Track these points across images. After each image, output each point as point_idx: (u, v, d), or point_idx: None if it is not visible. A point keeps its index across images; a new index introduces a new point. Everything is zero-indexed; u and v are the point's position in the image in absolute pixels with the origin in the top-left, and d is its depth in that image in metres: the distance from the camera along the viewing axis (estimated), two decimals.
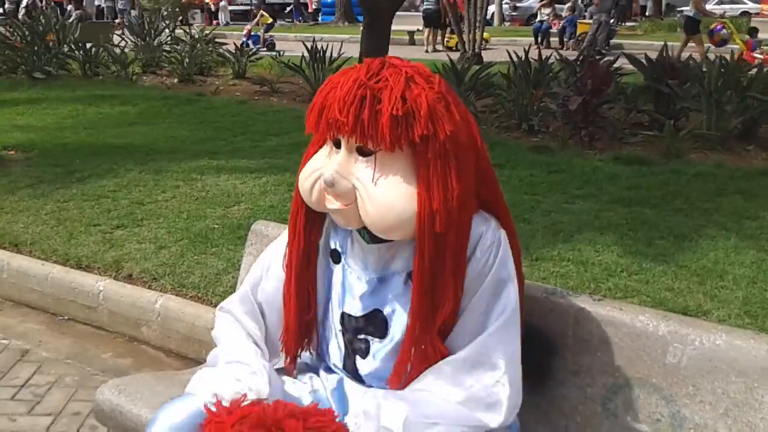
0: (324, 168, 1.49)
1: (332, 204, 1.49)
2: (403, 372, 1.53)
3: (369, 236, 1.57)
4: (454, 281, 1.48)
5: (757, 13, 25.79)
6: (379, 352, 1.59)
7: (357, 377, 1.63)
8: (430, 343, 1.50)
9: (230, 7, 30.64)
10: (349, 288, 1.63)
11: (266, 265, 1.74)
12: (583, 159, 5.36)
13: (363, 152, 1.46)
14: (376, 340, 1.59)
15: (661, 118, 5.92)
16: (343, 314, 1.63)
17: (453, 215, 1.45)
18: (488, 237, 1.52)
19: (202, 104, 8.30)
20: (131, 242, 3.91)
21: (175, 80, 10.10)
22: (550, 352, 1.76)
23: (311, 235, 1.64)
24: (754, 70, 6.31)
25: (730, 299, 3.12)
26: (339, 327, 1.65)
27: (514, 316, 1.53)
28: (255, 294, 1.73)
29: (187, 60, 10.22)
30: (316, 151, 1.59)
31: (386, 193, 1.44)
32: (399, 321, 1.56)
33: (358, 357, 1.62)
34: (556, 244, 3.75)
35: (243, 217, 4.25)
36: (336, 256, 1.66)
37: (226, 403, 1.41)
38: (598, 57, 6.72)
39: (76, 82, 9.77)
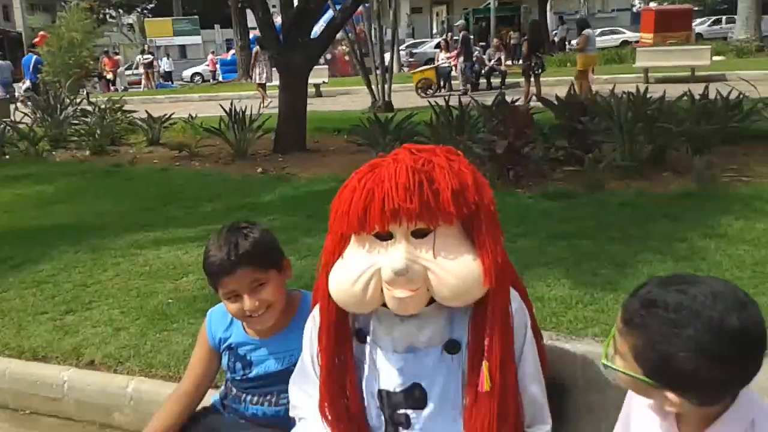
0: (383, 261, 1.54)
1: (402, 293, 1.54)
2: None
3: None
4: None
5: (637, 41, 27.45)
6: (421, 421, 1.66)
7: None
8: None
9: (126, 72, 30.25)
10: (381, 365, 1.69)
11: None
12: (515, 198, 5.60)
13: (418, 234, 1.55)
14: (417, 411, 1.66)
15: (578, 153, 6.26)
16: (380, 392, 1.69)
17: (503, 270, 1.59)
18: (515, 296, 1.65)
19: (122, 175, 8.16)
20: (85, 327, 3.81)
21: (87, 152, 9.89)
22: (562, 395, 1.87)
23: (345, 338, 1.69)
24: (657, 102, 6.77)
25: None
26: (377, 404, 1.70)
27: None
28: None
29: (98, 131, 10.04)
30: (338, 253, 1.65)
31: (457, 264, 1.54)
32: (436, 391, 1.65)
33: (401, 428, 1.68)
34: None
35: (196, 288, 4.21)
36: (361, 336, 1.72)
37: None
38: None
39: None
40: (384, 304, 1.61)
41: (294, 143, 8.67)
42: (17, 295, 4.37)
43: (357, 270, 1.57)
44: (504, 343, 1.63)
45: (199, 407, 2.11)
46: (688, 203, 5.20)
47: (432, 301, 1.61)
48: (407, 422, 1.68)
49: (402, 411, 1.68)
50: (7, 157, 9.92)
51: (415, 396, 1.67)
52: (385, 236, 1.56)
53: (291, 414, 1.86)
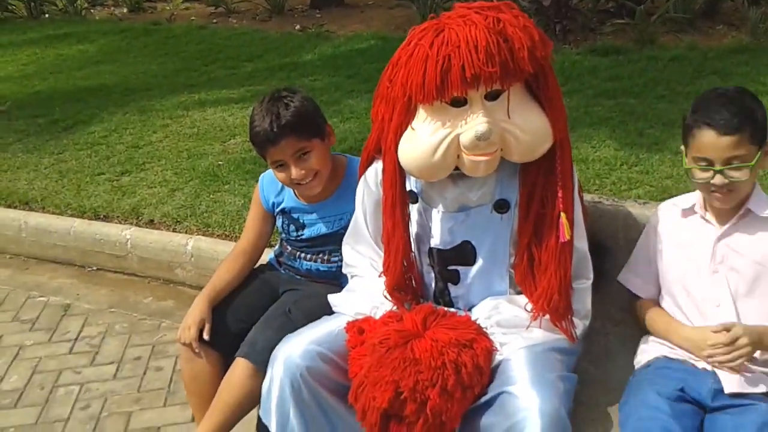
0: (462, 127, 1.57)
1: (481, 157, 1.59)
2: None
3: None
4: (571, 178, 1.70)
5: None
6: (470, 277, 1.76)
7: (448, 303, 1.80)
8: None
9: None
10: (433, 224, 1.77)
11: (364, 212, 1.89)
12: (561, 54, 5.45)
13: (491, 96, 1.56)
14: (466, 267, 1.75)
15: (629, 4, 6.00)
16: (431, 249, 1.78)
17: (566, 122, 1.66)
18: None
19: (161, 34, 8.09)
20: (141, 188, 3.97)
21: (125, 10, 9.78)
22: (602, 255, 1.94)
23: (405, 202, 1.76)
24: None
25: None
26: (428, 261, 1.80)
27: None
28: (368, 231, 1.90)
29: None
30: (406, 124, 1.66)
31: (531, 121, 1.59)
32: (485, 248, 1.73)
33: (450, 284, 1.78)
34: None
35: (243, 150, 4.31)
36: (413, 196, 1.79)
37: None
38: None
39: (24, 24, 9.39)
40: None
41: None
42: (73, 156, 4.53)
43: (436, 139, 1.59)
44: (573, 194, 1.71)
45: (257, 264, 2.24)
46: (740, 58, 5.02)
47: None
48: (457, 278, 1.77)
49: (452, 267, 1.77)
50: (47, 15, 9.87)
51: (465, 253, 1.75)
52: (461, 102, 1.58)
53: (344, 271, 1.97)
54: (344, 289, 1.93)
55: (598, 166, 3.63)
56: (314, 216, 2.10)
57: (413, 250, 1.80)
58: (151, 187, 3.96)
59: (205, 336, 1.98)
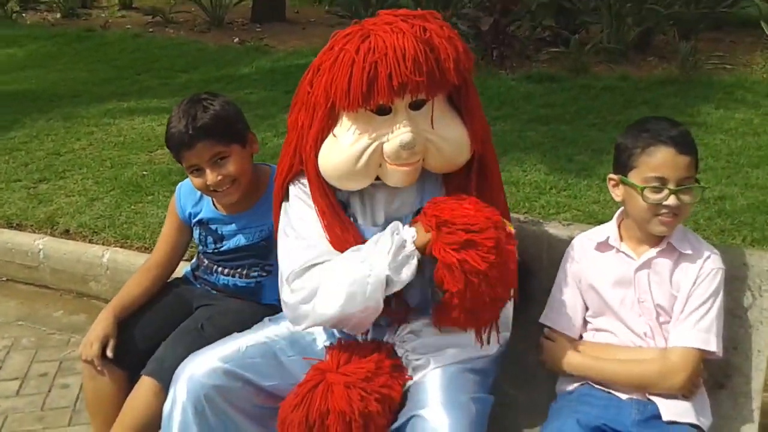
0: (386, 136, 1.53)
1: (403, 168, 1.55)
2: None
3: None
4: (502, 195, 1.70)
5: None
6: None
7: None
8: None
9: None
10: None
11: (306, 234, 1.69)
12: (498, 80, 5.51)
13: (416, 106, 1.53)
14: None
15: (565, 33, 6.11)
16: None
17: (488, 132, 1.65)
18: None
19: (94, 41, 7.87)
20: (59, 196, 3.80)
21: (58, 15, 9.49)
22: (526, 276, 1.91)
23: (337, 202, 1.67)
24: None
25: None
26: None
27: None
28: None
29: None
30: (327, 130, 1.59)
31: (453, 131, 1.57)
32: None
33: None
34: None
35: (170, 161, 4.13)
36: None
37: None
38: None
39: None
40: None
41: (273, 12, 8.37)
42: None
43: (358, 148, 1.54)
44: (503, 202, 1.71)
45: (171, 278, 2.13)
46: (670, 89, 5.15)
47: None
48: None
49: None
50: None
51: None
52: (385, 110, 1.54)
53: (293, 299, 1.64)
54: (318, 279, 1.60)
55: (528, 189, 3.64)
56: (233, 227, 2.01)
57: None
58: (70, 196, 3.79)
59: (109, 353, 1.87)
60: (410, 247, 1.52)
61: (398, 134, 1.52)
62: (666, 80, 5.37)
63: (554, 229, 1.92)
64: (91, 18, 9.32)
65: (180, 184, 2.11)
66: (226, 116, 1.90)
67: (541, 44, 6.34)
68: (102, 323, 1.90)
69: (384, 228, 1.62)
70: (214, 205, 2.03)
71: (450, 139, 1.57)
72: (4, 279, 3.43)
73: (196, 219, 2.05)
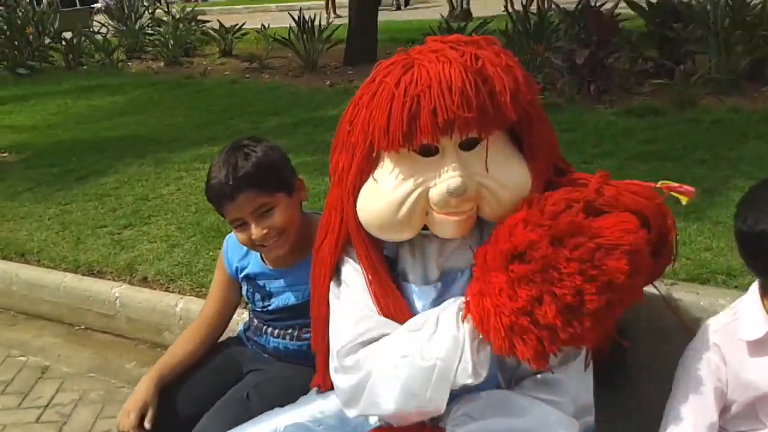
0: (432, 181, 1.32)
1: (455, 216, 1.34)
2: None
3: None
4: None
5: None
6: None
7: None
8: None
9: None
10: (410, 299, 1.48)
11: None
12: (595, 114, 5.20)
13: (467, 146, 1.33)
14: None
15: (668, 65, 5.74)
16: None
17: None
18: None
19: (193, 87, 8.09)
20: (142, 242, 3.77)
21: (162, 64, 9.87)
22: (619, 350, 1.63)
23: (381, 261, 1.47)
24: (759, 7, 6.10)
25: None
26: None
27: None
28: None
29: (171, 42, 9.97)
30: (366, 174, 1.40)
31: (513, 175, 1.35)
32: None
33: None
34: None
35: None
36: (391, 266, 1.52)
37: None
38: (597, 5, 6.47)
39: (61, 75, 9.53)
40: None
41: (364, 54, 8.35)
42: (79, 208, 4.37)
43: (400, 194, 1.34)
44: None
45: (224, 337, 1.98)
46: None
47: None
48: None
49: None
50: (85, 67, 10.02)
51: None
52: (431, 151, 1.33)
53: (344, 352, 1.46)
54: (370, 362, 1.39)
55: None
56: (282, 283, 1.83)
57: None
58: (152, 242, 3.75)
59: (146, 424, 1.72)
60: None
61: (446, 179, 1.31)
62: None
63: (653, 288, 1.63)
64: (192, 66, 9.63)
65: (228, 235, 1.96)
66: (269, 163, 1.73)
67: (643, 76, 5.98)
68: (141, 390, 1.76)
69: (439, 286, 1.42)
70: (262, 258, 1.86)
71: (509, 184, 1.34)
72: (83, 327, 3.40)
73: (243, 274, 1.89)
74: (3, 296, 3.62)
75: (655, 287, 1.59)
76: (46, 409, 2.76)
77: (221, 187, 1.69)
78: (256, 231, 1.70)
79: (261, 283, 1.86)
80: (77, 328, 3.41)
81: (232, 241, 1.91)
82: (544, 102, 5.69)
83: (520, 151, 1.39)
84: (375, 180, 1.38)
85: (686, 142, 4.51)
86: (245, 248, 1.87)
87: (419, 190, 1.33)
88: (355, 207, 1.41)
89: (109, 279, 3.46)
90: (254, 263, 1.87)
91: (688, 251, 3.09)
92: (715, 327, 1.40)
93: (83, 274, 3.53)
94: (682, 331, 1.56)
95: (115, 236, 3.90)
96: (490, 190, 1.33)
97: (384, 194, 1.36)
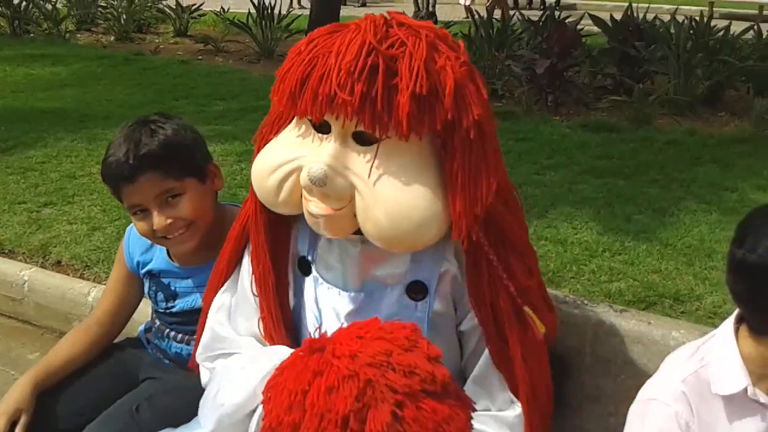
0: (306, 158, 1.15)
1: (317, 208, 1.16)
2: None
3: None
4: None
5: None
6: None
7: None
8: None
9: None
10: (326, 307, 1.30)
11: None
12: (551, 126, 5.09)
13: (363, 140, 1.14)
14: None
15: (628, 82, 5.67)
16: None
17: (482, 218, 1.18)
18: None
19: (140, 64, 7.74)
20: (61, 223, 3.49)
21: (112, 38, 9.46)
22: (562, 374, 1.47)
23: (278, 246, 1.30)
24: (722, 32, 6.09)
25: (721, 281, 2.89)
26: None
27: None
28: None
29: (124, 16, 9.57)
30: (276, 132, 1.25)
31: (398, 194, 1.12)
32: None
33: None
34: (530, 220, 3.45)
35: None
36: (305, 267, 1.33)
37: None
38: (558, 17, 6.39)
39: (4, 41, 9.03)
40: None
41: None
42: (0, 180, 4.06)
43: (277, 159, 1.20)
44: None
45: (119, 339, 1.75)
46: (742, 149, 4.64)
47: None
48: None
49: None
50: (31, 35, 9.55)
51: None
52: (324, 128, 1.16)
53: (202, 356, 1.42)
54: (210, 379, 1.37)
55: (577, 250, 3.19)
56: (189, 283, 1.62)
57: (304, 335, 1.33)
58: (72, 223, 3.48)
59: None
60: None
61: (312, 161, 1.14)
62: (738, 138, 4.86)
63: (603, 313, 1.47)
64: (144, 43, 9.25)
65: (130, 226, 1.72)
66: (179, 143, 1.51)
67: (601, 92, 5.90)
68: (16, 393, 1.53)
69: (362, 297, 1.26)
70: (168, 254, 1.65)
71: (387, 201, 1.12)
72: None
73: (146, 269, 1.67)
74: None
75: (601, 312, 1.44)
76: None
77: (119, 167, 1.47)
78: (158, 220, 1.49)
79: (165, 281, 1.64)
80: None
81: (135, 231, 1.69)
82: (501, 110, 5.57)
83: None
84: (276, 138, 1.25)
85: (639, 160, 4.43)
86: (149, 241, 1.65)
87: (294, 164, 1.17)
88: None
89: (19, 260, 3.18)
90: (159, 258, 1.65)
91: (636, 272, 2.98)
92: (682, 374, 1.20)
93: None
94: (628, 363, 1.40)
95: (33, 214, 3.61)
96: (363, 199, 1.13)
97: (266, 155, 1.22)
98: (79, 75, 7.21)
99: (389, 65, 1.09)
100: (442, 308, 1.27)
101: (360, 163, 1.13)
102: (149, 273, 1.66)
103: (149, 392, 1.55)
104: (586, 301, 1.51)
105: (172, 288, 1.63)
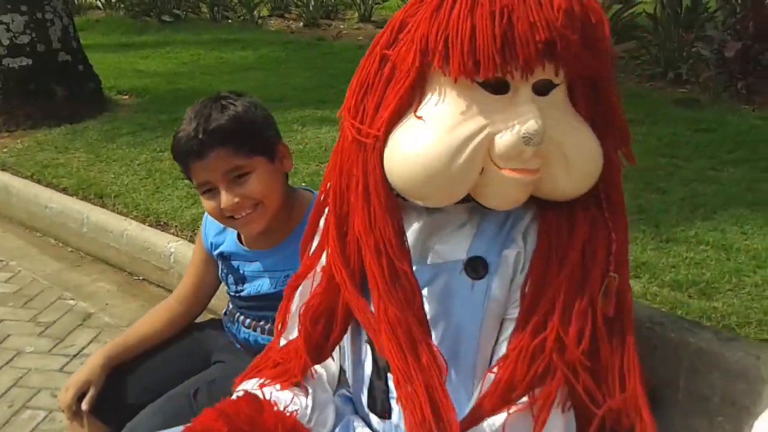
0: (496, 124, 1.04)
1: (521, 174, 1.05)
2: None
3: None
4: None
5: None
6: None
7: (385, 407, 1.21)
8: None
9: None
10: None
11: None
12: (739, 116, 4.55)
13: (540, 89, 1.06)
14: None
15: None
16: None
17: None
18: None
19: (321, 49, 7.99)
20: None
21: (301, 24, 9.85)
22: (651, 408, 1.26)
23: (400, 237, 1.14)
24: None
25: None
26: (365, 336, 1.23)
27: None
28: None
29: (312, 2, 9.92)
30: (403, 111, 1.09)
31: (582, 136, 1.09)
32: (447, 330, 1.15)
33: (390, 378, 1.18)
34: (694, 221, 3.11)
35: None
36: None
37: None
38: None
39: (203, 26, 9.72)
40: None
41: None
42: (170, 156, 4.30)
43: (462, 136, 1.03)
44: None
45: (201, 318, 1.76)
46: None
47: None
48: None
49: None
50: (229, 21, 10.18)
51: None
52: (501, 86, 1.04)
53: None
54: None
55: (743, 258, 2.80)
56: (257, 267, 1.58)
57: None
58: None
59: (84, 406, 1.54)
60: None
61: (522, 121, 1.02)
62: None
63: (706, 341, 1.24)
64: (329, 28, 9.54)
65: None
66: (249, 120, 1.48)
67: None
68: (87, 367, 1.57)
69: (416, 270, 1.12)
70: (238, 237, 1.62)
71: (583, 146, 1.08)
72: (140, 278, 3.33)
73: (218, 251, 1.65)
74: (74, 236, 3.63)
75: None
76: (73, 358, 2.69)
77: (189, 142, 1.45)
78: (226, 198, 1.45)
79: (235, 264, 1.62)
80: (135, 278, 3.35)
81: None
82: (685, 97, 5.09)
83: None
84: (421, 118, 1.06)
85: None
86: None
87: (484, 134, 1.03)
88: (381, 158, 1.09)
89: (171, 233, 3.37)
90: (229, 241, 1.64)
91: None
92: None
93: (150, 225, 3.46)
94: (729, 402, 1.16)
95: (193, 190, 3.76)
96: (563, 149, 1.05)
97: (438, 136, 1.04)
98: (264, 59, 7.57)
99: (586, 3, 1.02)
100: (499, 294, 1.13)
101: (550, 113, 1.05)
102: (221, 255, 1.66)
103: (213, 376, 1.54)
104: (686, 324, 1.27)
105: (241, 271, 1.61)
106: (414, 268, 1.12)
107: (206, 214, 1.72)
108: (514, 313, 1.10)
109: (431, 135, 1.04)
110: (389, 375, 1.15)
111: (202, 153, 1.45)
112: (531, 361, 1.03)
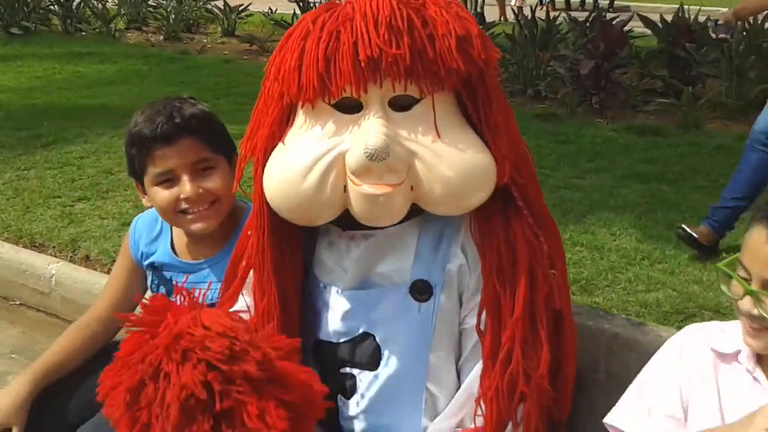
0: (347, 142, 1.08)
1: (374, 188, 1.08)
2: None
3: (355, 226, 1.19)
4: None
5: None
6: (371, 389, 1.21)
7: (334, 426, 1.25)
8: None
9: None
10: (323, 306, 1.24)
11: None
12: (594, 128, 4.95)
13: (399, 105, 1.09)
14: (365, 372, 1.20)
15: (677, 85, 5.48)
16: (318, 343, 1.25)
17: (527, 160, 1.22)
18: None
19: (185, 63, 7.84)
20: (92, 218, 3.51)
21: (161, 38, 9.59)
22: (574, 390, 1.38)
23: (285, 273, 1.23)
24: None
25: None
26: (311, 359, 1.26)
27: None
28: None
29: (173, 16, 9.70)
30: (278, 135, 1.17)
31: (457, 149, 1.09)
32: (394, 348, 1.19)
33: (340, 397, 1.23)
34: (566, 225, 3.35)
35: None
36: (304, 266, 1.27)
37: None
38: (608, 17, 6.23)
39: (55, 39, 9.25)
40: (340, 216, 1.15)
41: None
42: (37, 175, 4.12)
43: (310, 157, 1.10)
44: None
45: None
46: None
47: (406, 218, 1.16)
48: (352, 386, 1.22)
49: (346, 370, 1.23)
50: (83, 33, 9.75)
51: (364, 350, 1.21)
52: (352, 106, 1.09)
53: None
54: None
55: (615, 257, 3.06)
56: (192, 278, 1.57)
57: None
58: (103, 218, 3.50)
59: None
60: None
61: (363, 136, 1.06)
62: None
63: (620, 327, 1.38)
64: (192, 42, 9.36)
65: (139, 215, 1.71)
66: (217, 119, 1.52)
67: (650, 95, 5.71)
68: (11, 394, 1.49)
69: (373, 293, 1.19)
70: (171, 246, 1.61)
71: (450, 158, 1.08)
72: (17, 303, 3.14)
73: (149, 261, 1.63)
74: None
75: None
76: None
77: (159, 128, 1.43)
78: (190, 187, 1.44)
79: (167, 275, 1.61)
80: (11, 303, 3.15)
81: (143, 220, 1.67)
82: (544, 112, 5.44)
83: (474, 130, 1.15)
84: (284, 143, 1.14)
85: (686, 165, 4.27)
86: (156, 231, 1.62)
87: (334, 153, 1.09)
88: (261, 179, 1.18)
89: (49, 254, 3.21)
90: (162, 251, 1.62)
91: (675, 282, 2.85)
92: (694, 330, 1.26)
93: (24, 246, 3.28)
94: None
95: (67, 208, 3.64)
96: (425, 162, 1.07)
97: (291, 159, 1.11)
98: (123, 73, 7.32)
99: (419, 17, 1.06)
100: (448, 308, 1.20)
101: (409, 128, 1.08)
102: (152, 265, 1.63)
103: None
104: (601, 313, 1.42)
105: (174, 282, 1.59)
106: (363, 291, 1.19)
107: (134, 223, 1.69)
108: (471, 321, 1.18)
109: (287, 158, 1.13)
110: None
111: (171, 139, 1.43)
112: (509, 398, 1.14)
